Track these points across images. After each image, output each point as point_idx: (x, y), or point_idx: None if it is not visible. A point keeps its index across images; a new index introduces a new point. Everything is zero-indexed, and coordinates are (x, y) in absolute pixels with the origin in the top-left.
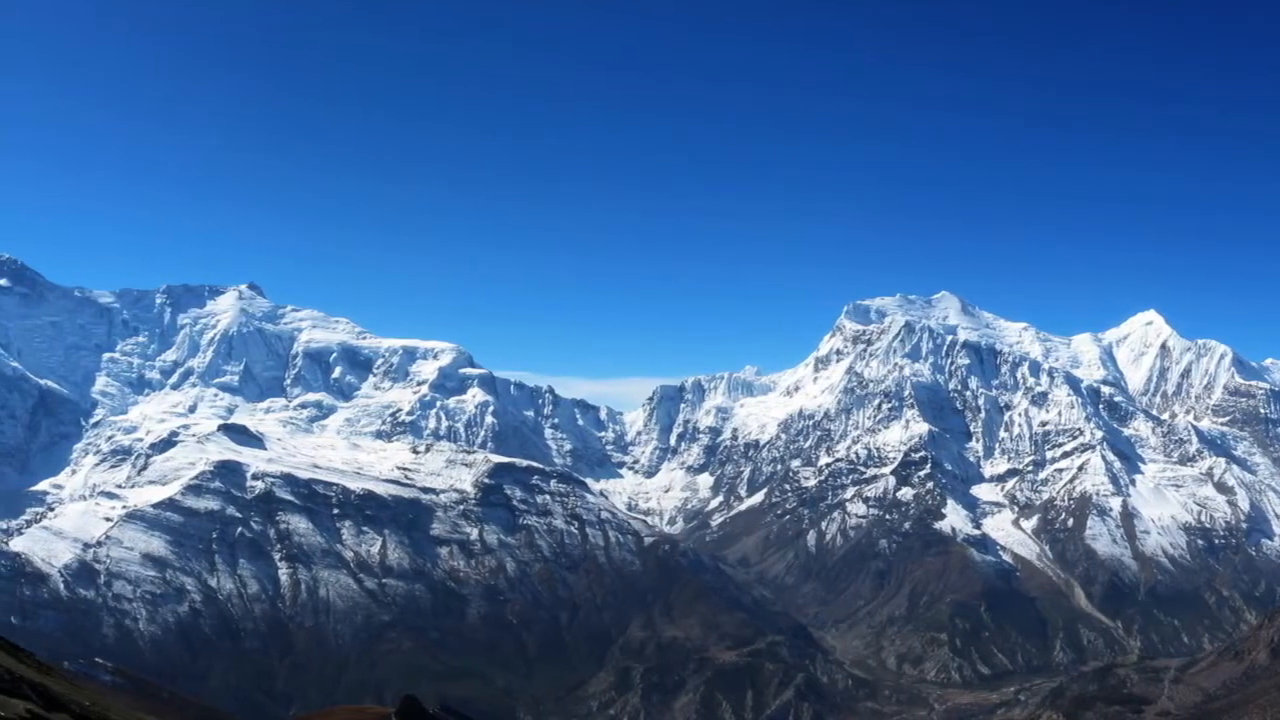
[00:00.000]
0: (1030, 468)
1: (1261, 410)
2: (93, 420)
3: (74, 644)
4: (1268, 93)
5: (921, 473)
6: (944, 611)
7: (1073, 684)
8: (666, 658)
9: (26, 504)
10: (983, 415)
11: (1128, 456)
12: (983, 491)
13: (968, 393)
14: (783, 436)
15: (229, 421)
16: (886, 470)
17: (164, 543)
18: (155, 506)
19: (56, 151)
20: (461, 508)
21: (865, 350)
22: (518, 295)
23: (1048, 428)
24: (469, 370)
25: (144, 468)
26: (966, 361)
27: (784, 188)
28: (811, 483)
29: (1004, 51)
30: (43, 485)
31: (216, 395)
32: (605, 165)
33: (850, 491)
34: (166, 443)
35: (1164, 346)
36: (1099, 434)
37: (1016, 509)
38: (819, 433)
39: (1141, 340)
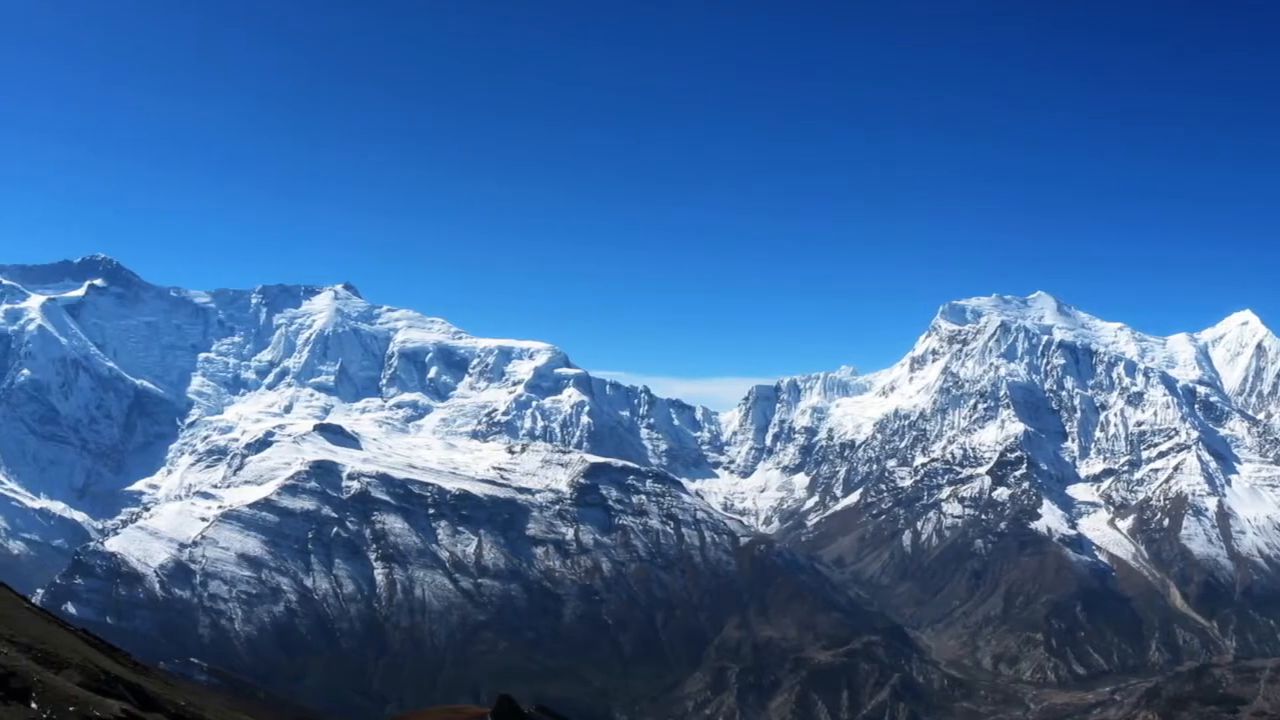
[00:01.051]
0: (1126, 468)
1: None
2: (188, 420)
3: (169, 644)
4: None
5: (1017, 473)
6: (1039, 611)
7: (1168, 684)
8: (762, 658)
9: (122, 504)
10: (1078, 415)
11: (1223, 456)
12: (1078, 491)
13: (1063, 393)
14: (878, 436)
15: (325, 422)
16: (982, 470)
17: (260, 543)
18: (251, 506)
19: (153, 152)
20: (557, 508)
21: (961, 350)
22: (614, 295)
23: (1143, 428)
24: (565, 370)
25: (239, 468)
26: (1062, 361)
27: (881, 187)
28: (907, 483)
29: (1099, 49)
30: (138, 485)
31: (312, 395)
32: (703, 164)
33: (946, 491)
34: (262, 443)
35: (1260, 346)
36: (1194, 434)
37: (1112, 509)
38: (914, 433)
39: (1237, 340)
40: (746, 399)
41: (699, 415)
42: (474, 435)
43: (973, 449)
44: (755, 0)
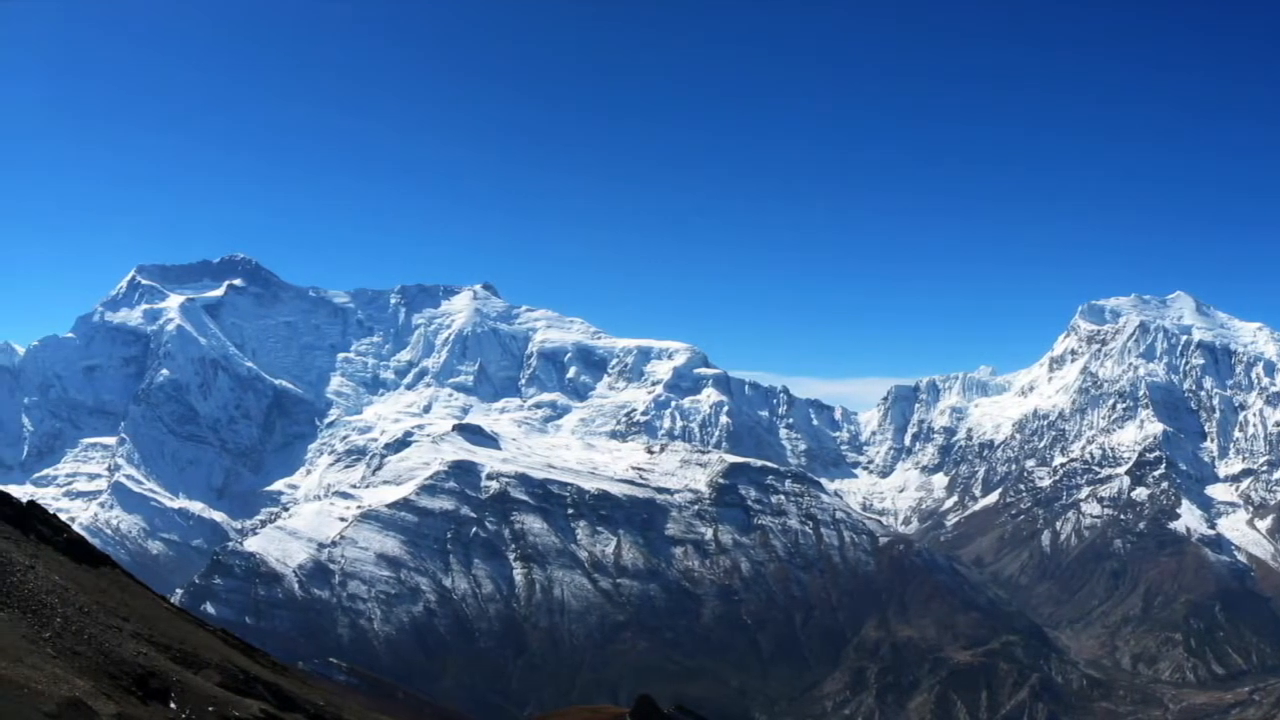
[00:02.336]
0: (1265, 468)
1: None
2: (327, 420)
3: (308, 644)
4: None
5: (1156, 473)
6: (1178, 611)
7: None
8: (901, 658)
9: (261, 504)
10: (1217, 415)
11: None
12: (1217, 491)
13: (1202, 393)
14: (1017, 436)
15: (463, 422)
16: (1121, 470)
17: (398, 543)
18: (390, 506)
19: (292, 152)
20: (696, 508)
21: (1100, 350)
22: (753, 295)
23: None
24: (704, 370)
25: (378, 468)
26: (1201, 361)
27: (1019, 187)
28: (1046, 483)
29: (1236, 50)
30: (277, 485)
31: (451, 395)
32: (840, 165)
33: (1085, 491)
34: (401, 443)
35: None
36: None
37: (1251, 509)
38: (1053, 433)
39: None
40: (885, 399)
41: (838, 415)
42: (613, 435)
43: (1111, 449)
44: (896, 4)
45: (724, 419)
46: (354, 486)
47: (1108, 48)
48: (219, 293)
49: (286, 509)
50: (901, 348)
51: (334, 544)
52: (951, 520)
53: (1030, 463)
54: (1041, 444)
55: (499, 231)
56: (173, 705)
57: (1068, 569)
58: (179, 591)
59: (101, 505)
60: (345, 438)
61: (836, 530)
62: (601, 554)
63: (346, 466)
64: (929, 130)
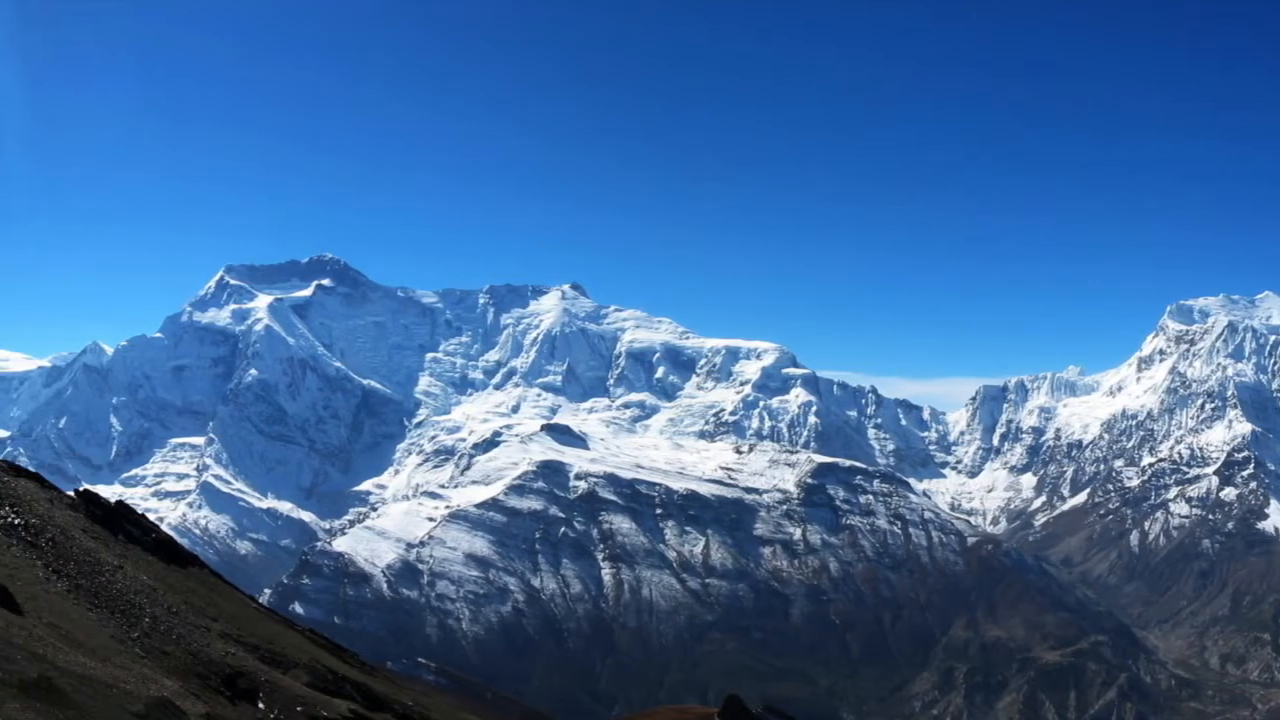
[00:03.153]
0: None
1: None
2: (415, 420)
3: (397, 644)
4: None
5: (1245, 473)
6: (1267, 611)
7: None
8: (989, 658)
9: (350, 504)
10: None
11: None
12: None
13: None
14: (1105, 436)
15: (552, 422)
16: (1209, 470)
17: (487, 543)
18: (478, 506)
19: (381, 152)
20: (784, 508)
21: (1188, 350)
22: (842, 295)
23: None
24: (792, 370)
25: (467, 468)
26: None
27: (1107, 187)
28: (1134, 483)
29: None
30: (366, 485)
31: (539, 395)
32: (928, 164)
33: (1173, 491)
34: (489, 443)
35: None
36: None
37: None
38: (1142, 433)
39: None
40: (974, 399)
41: (926, 415)
42: (701, 435)
43: (1200, 449)
44: (985, 5)
45: (812, 419)
46: (442, 486)
47: (1195, 48)
48: (307, 293)
49: (375, 509)
50: (990, 348)
51: (422, 544)
52: (1040, 520)
53: (1118, 463)
54: (1130, 444)
55: (588, 231)
56: (261, 705)
57: (1156, 569)
58: (267, 591)
59: (190, 505)
60: (434, 438)
61: (925, 530)
62: (690, 554)
63: (435, 466)
64: (1019, 132)
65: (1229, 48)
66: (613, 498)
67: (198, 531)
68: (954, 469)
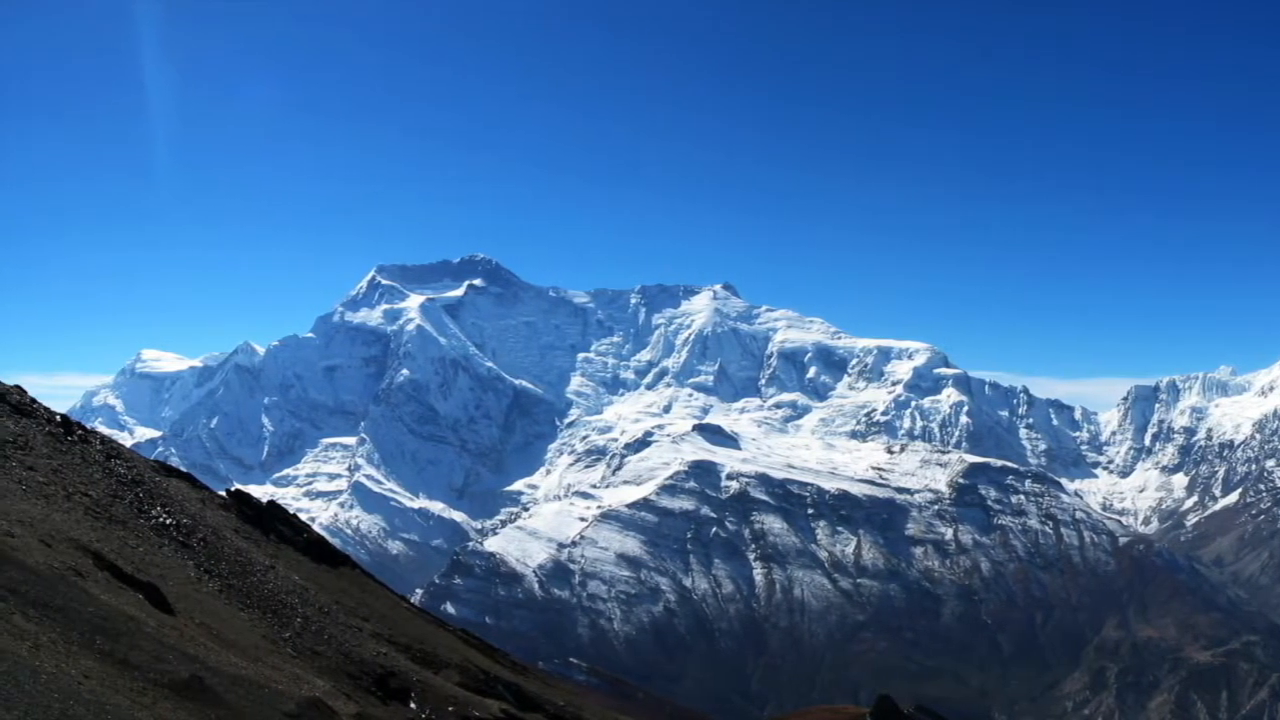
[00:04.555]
0: None
1: None
2: (567, 420)
3: (548, 643)
4: None
5: None
6: None
7: None
8: (1141, 658)
9: (501, 504)
10: None
11: None
12: None
13: None
14: (1257, 436)
15: (703, 422)
16: None
17: (638, 543)
18: (630, 507)
19: (533, 152)
20: (936, 508)
21: None
22: (993, 295)
23: None
24: (943, 370)
25: (618, 468)
26: None
27: (1258, 187)
28: None
29: None
30: (517, 485)
31: (691, 395)
32: (1075, 163)
33: None
34: (641, 443)
35: None
36: None
37: None
38: None
39: None
40: (1125, 399)
41: (1078, 415)
42: (852, 435)
43: None
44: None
45: (964, 419)
46: (594, 486)
47: None
48: (459, 293)
49: (526, 509)
50: (1142, 348)
51: (574, 544)
52: (1191, 520)
53: (1270, 462)
54: None
55: (739, 231)
56: (413, 705)
57: None
58: (418, 591)
59: (341, 505)
60: (585, 438)
61: (1076, 530)
62: (841, 554)
63: (586, 466)
64: (1166, 130)
65: None
66: (764, 498)
67: (349, 531)
68: (1105, 469)
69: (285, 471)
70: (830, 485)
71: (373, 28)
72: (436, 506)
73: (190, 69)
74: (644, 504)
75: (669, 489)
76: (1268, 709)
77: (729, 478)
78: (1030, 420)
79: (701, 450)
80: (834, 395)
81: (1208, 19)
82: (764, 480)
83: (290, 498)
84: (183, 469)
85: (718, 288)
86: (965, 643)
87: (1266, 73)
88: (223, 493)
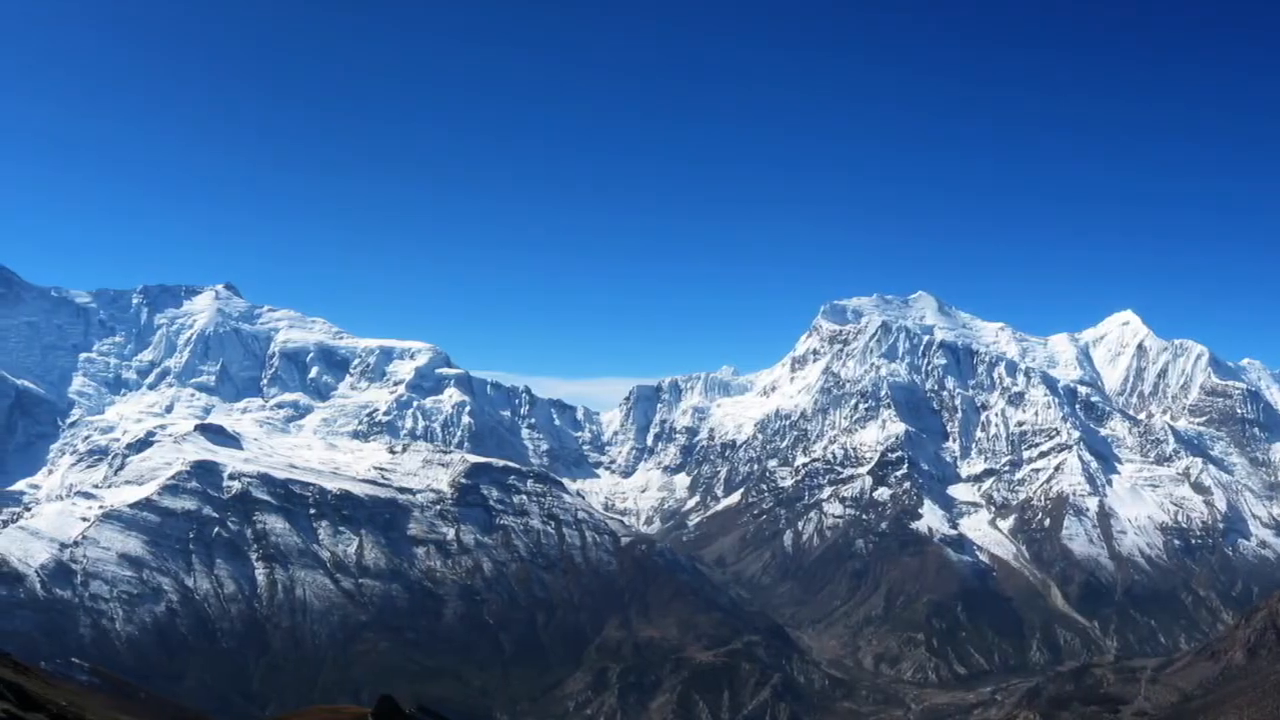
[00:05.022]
0: (1007, 468)
1: (1238, 410)
2: (69, 420)
3: (50, 644)
4: (1242, 91)
5: (898, 473)
6: (920, 611)
7: (1049, 684)
8: (643, 658)
9: (2, 504)
10: (959, 415)
11: (1104, 456)
12: (959, 492)
13: (944, 393)
14: (759, 437)
15: (206, 422)
16: (863, 470)
17: (141, 543)
18: (132, 507)
19: (33, 152)
20: (438, 508)
21: (842, 350)
22: (494, 295)
23: (1024, 428)
24: (446, 370)
25: (121, 468)
26: (943, 361)
27: (760, 187)
28: (788, 483)
29: (981, 52)
30: (19, 485)
31: (193, 395)
32: (581, 164)
33: (827, 492)
34: (143, 443)
35: (1140, 346)
36: (1075, 434)
37: (993, 509)
38: (795, 433)
39: (1118, 340)
40: (628, 399)
41: (580, 415)
42: (355, 435)
43: (854, 449)
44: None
45: (466, 419)
46: (96, 486)
47: (852, 47)
48: None
49: (29, 509)
50: (644, 348)
51: (76, 544)
52: (694, 520)
53: (772, 463)
54: (784, 444)
55: (241, 231)
56: None
57: (810, 569)
58: None
59: None
60: (87, 438)
61: (579, 530)
62: (344, 554)
63: (89, 466)
64: (669, 131)
65: (878, 48)
66: (266, 498)
67: None
68: (608, 469)
69: None
70: (333, 485)
71: None
72: None
73: None
74: (146, 504)
75: (171, 489)
76: (770, 709)
77: (231, 478)
78: (533, 420)
79: (203, 450)
80: (336, 395)
81: (691, 14)
82: (266, 480)
83: None
84: None
85: (220, 288)
86: (468, 643)
87: (769, 72)
88: None
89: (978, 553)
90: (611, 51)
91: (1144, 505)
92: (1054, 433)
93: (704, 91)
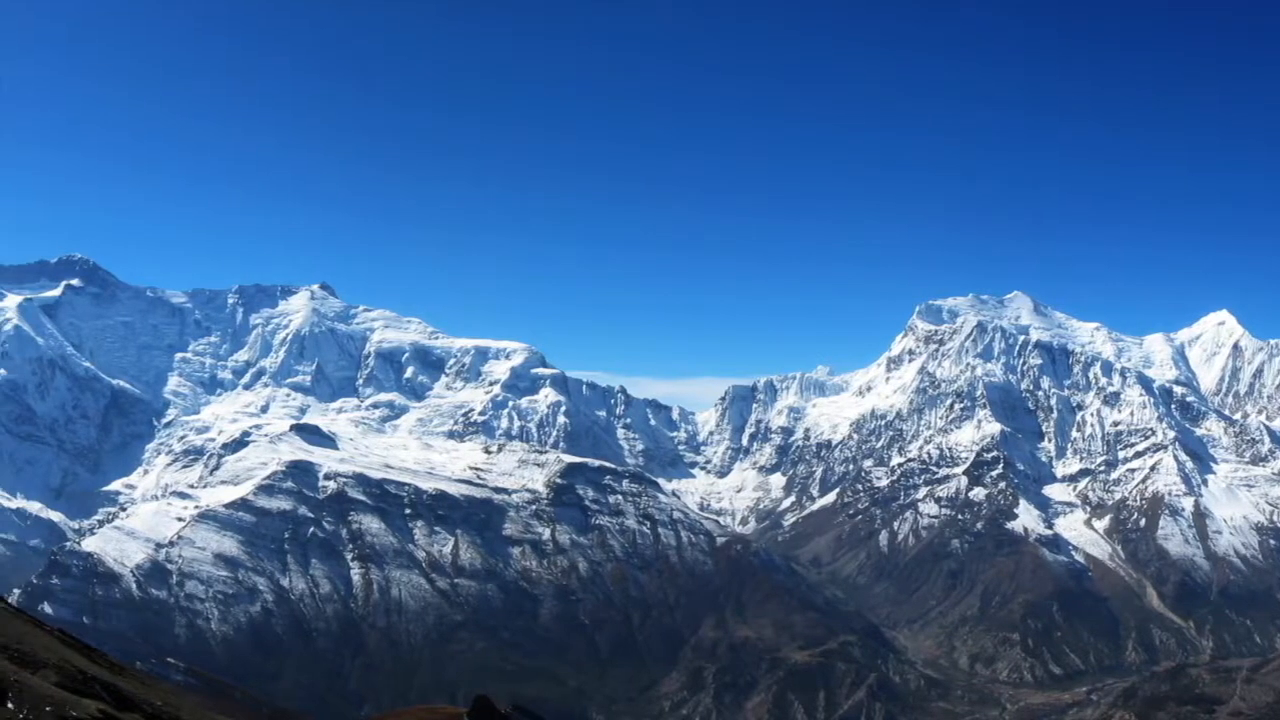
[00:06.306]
0: (1102, 468)
1: None
2: (165, 420)
3: (146, 644)
4: None
5: (994, 473)
6: (1016, 611)
7: (1145, 684)
8: (739, 658)
9: (99, 504)
10: (1055, 415)
11: (1200, 456)
12: (1055, 492)
13: (1040, 393)
14: (855, 436)
15: (301, 422)
16: (959, 470)
17: (236, 543)
18: (227, 506)
19: (130, 152)
20: (534, 508)
21: (937, 350)
22: (591, 295)
23: (1120, 428)
24: (541, 370)
25: (216, 468)
26: (1039, 361)
27: (858, 187)
28: (884, 483)
29: (1078, 51)
30: (115, 485)
31: (289, 395)
32: (679, 165)
33: (922, 491)
34: (238, 443)
35: (1236, 346)
36: (1171, 434)
37: (1089, 509)
38: (891, 433)
39: (1214, 340)
40: (723, 399)
41: (675, 415)
42: (450, 435)
43: (949, 449)
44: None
45: (561, 419)
46: (191, 486)
47: (952, 48)
48: (56, 292)
49: (124, 509)
50: (740, 348)
51: (171, 544)
52: (789, 520)
53: (868, 463)
54: (879, 444)
55: (337, 231)
56: (10, 705)
57: (905, 569)
58: (16, 592)
59: None
60: (183, 438)
61: (674, 530)
62: (439, 554)
63: (184, 467)
64: (770, 131)
65: (975, 49)
66: (361, 497)
67: None
68: (703, 469)
69: None
70: (428, 485)
71: None
72: (34, 507)
73: None
74: (241, 504)
75: (266, 489)
76: (865, 709)
77: (326, 477)
78: (628, 420)
79: (299, 450)
80: (432, 395)
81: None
82: (361, 480)
83: None
84: None
85: (315, 288)
86: (563, 643)
87: (864, 71)
88: None
89: (1073, 553)
90: (709, 52)
91: (1239, 505)
92: (1149, 433)
93: (802, 91)
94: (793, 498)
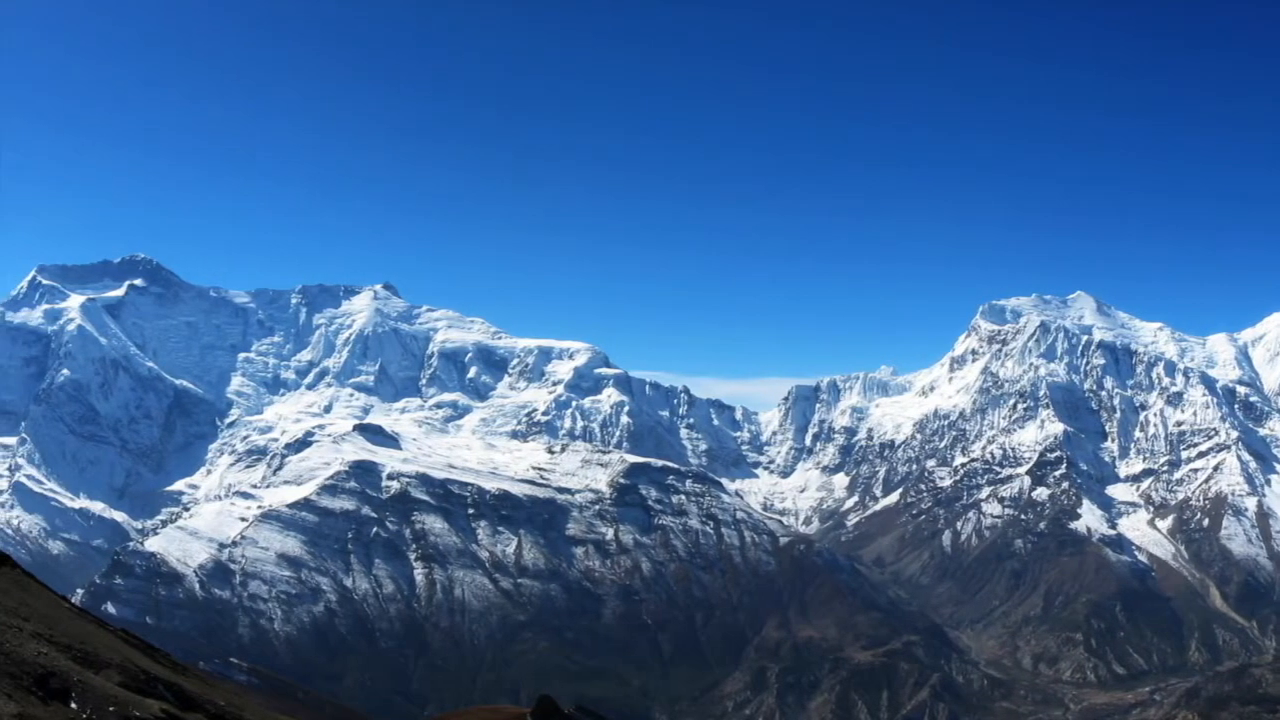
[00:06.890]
0: (1165, 468)
1: None
2: (228, 420)
3: (209, 644)
4: None
5: (1057, 473)
6: (1079, 611)
7: (1208, 684)
8: (802, 658)
9: (162, 504)
10: (1118, 415)
11: (1264, 456)
12: (1118, 491)
13: (1103, 393)
14: (918, 436)
15: (364, 422)
16: (1022, 470)
17: (299, 543)
18: (291, 506)
19: (193, 152)
20: (597, 508)
21: (1000, 350)
22: (654, 295)
23: (1183, 428)
24: (604, 370)
25: (279, 468)
26: (1102, 361)
27: (920, 187)
28: (947, 483)
29: (1142, 50)
30: (178, 485)
31: (352, 395)
32: (742, 165)
33: (985, 491)
34: (302, 443)
35: None
36: (1234, 434)
37: (1152, 509)
38: (954, 433)
39: (1277, 340)
40: (786, 399)
41: (738, 415)
42: (513, 435)
43: (1012, 449)
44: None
45: (625, 419)
46: (255, 486)
47: (1011, 47)
48: (120, 293)
49: (187, 509)
50: (803, 348)
51: (235, 544)
52: (852, 520)
53: (931, 463)
54: (942, 444)
55: (400, 231)
56: (73, 705)
57: (968, 569)
58: (79, 591)
59: (1, 505)
60: (246, 438)
61: (737, 530)
62: (502, 554)
63: (247, 466)
64: (831, 131)
65: (1038, 47)
66: (425, 498)
67: (9, 531)
68: (766, 469)
69: None
70: (491, 485)
71: (27, 24)
72: (97, 506)
73: None
74: (305, 504)
75: (330, 489)
76: (928, 709)
77: (390, 478)
78: (691, 420)
79: (362, 450)
80: (495, 395)
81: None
82: (425, 480)
83: None
84: None
85: (378, 288)
86: (626, 643)
87: (929, 73)
88: None
89: (1136, 553)
90: (776, 51)
91: None
92: (1213, 433)
93: (866, 92)
94: (856, 498)
